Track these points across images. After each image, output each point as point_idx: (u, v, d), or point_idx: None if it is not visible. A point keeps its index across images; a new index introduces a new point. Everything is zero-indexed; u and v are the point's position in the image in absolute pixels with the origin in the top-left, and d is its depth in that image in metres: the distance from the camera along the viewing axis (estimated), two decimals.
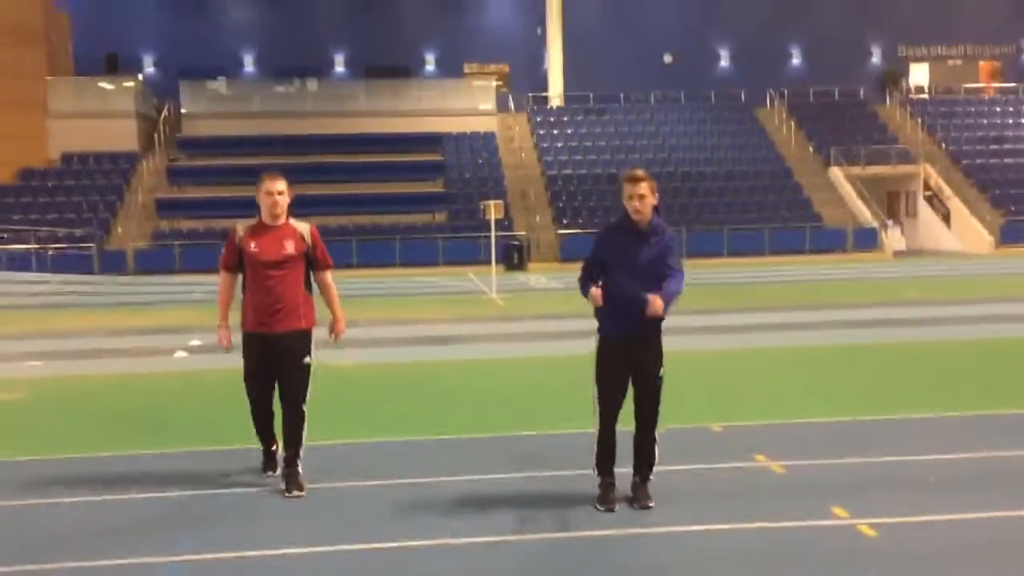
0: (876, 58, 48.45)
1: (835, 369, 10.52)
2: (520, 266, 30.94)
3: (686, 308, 16.86)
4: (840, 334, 13.26)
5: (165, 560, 4.86)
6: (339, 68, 47.46)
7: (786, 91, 42.31)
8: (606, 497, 5.58)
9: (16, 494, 6.12)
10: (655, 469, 5.74)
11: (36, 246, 30.59)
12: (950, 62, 47.22)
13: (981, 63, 47.56)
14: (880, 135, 39.53)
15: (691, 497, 5.75)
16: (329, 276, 6.38)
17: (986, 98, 43.69)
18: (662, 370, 5.66)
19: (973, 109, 42.10)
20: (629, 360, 5.62)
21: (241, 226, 6.27)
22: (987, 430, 7.35)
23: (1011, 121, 41.19)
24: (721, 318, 15.65)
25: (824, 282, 23.54)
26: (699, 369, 10.53)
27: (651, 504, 5.55)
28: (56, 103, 37.20)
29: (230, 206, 33.52)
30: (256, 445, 6.55)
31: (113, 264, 31.08)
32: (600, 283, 5.54)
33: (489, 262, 23.93)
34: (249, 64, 46.92)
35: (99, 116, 37.19)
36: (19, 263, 29.42)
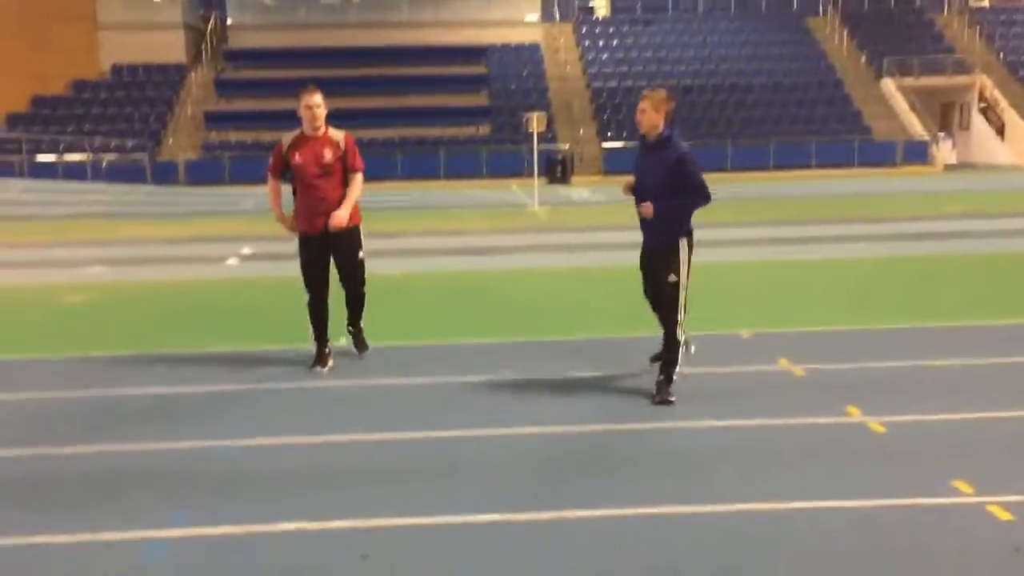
0: None
1: (869, 280, 10.70)
2: (563, 179, 31.03)
3: (728, 220, 17.15)
4: (879, 247, 13.37)
5: (224, 444, 5.34)
6: None
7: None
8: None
9: (87, 385, 6.66)
10: (682, 370, 6.10)
11: (90, 156, 31.29)
12: None
13: None
14: (936, 45, 38.44)
15: (715, 396, 6.09)
16: (358, 177, 6.94)
17: None
18: (672, 277, 5.98)
19: None
20: (646, 265, 6.24)
21: (286, 138, 6.89)
22: (1010, 337, 7.56)
23: None
24: (762, 230, 15.79)
25: (870, 195, 23.39)
26: (736, 280, 10.79)
27: (670, 399, 5.91)
28: (105, 15, 37.47)
29: (277, 117, 33.76)
30: (303, 345, 7.04)
31: (164, 175, 31.74)
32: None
33: (532, 175, 24.11)
34: None
35: (148, 27, 37.46)
36: (74, 172, 30.19)
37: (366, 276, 7.11)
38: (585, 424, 5.57)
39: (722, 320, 8.32)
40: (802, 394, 6.14)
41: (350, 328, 7.27)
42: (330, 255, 6.91)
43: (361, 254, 7.00)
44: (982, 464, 4.78)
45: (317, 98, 6.78)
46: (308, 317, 7.00)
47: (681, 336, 6.09)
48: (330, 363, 6.95)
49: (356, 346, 7.27)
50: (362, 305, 7.19)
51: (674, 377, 6.06)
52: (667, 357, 6.07)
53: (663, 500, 4.40)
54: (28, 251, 15.39)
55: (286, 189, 7.01)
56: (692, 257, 6.11)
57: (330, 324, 7.07)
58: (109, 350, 7.79)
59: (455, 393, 6.31)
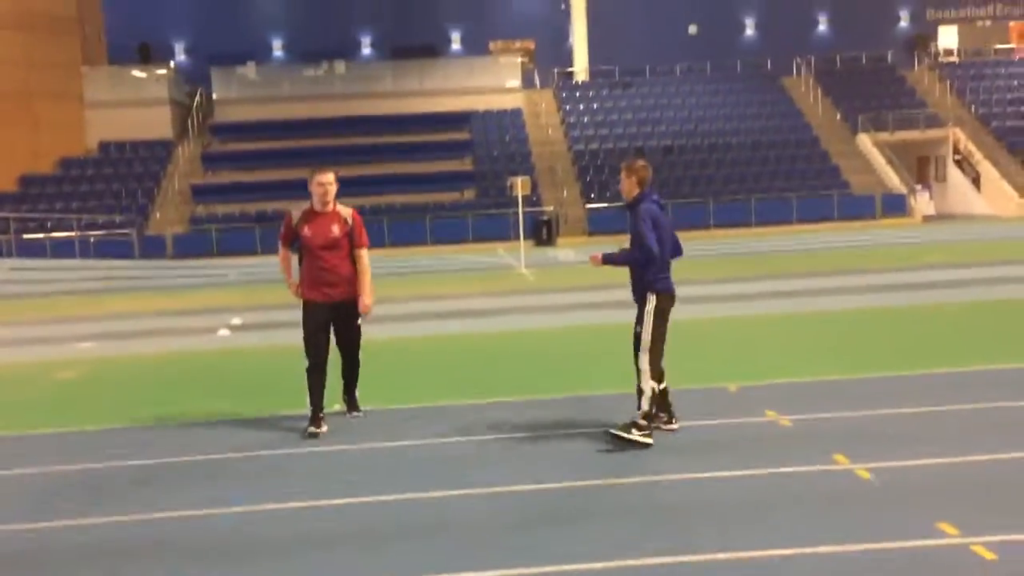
0: (904, 21, 48.06)
1: (852, 331, 10.89)
2: (549, 241, 31.37)
3: (711, 277, 17.37)
4: (861, 299, 13.59)
5: (220, 512, 5.41)
6: (366, 49, 47.99)
7: (813, 58, 42.15)
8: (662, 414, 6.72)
9: (83, 459, 6.72)
10: (670, 427, 6.59)
11: (78, 233, 31.46)
12: (979, 23, 46.68)
13: (1011, 23, 46.90)
14: (909, 100, 39.33)
15: (701, 449, 6.21)
16: (364, 253, 7.32)
17: (1017, 59, 43.20)
18: (637, 327, 6.52)
19: (1003, 71, 41.67)
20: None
21: (296, 211, 7.30)
22: (989, 383, 7.71)
23: None
24: (745, 286, 16.03)
25: (851, 248, 23.75)
26: (721, 334, 10.97)
27: (626, 437, 6.28)
28: (92, 92, 38.04)
29: (263, 189, 34.28)
30: (297, 411, 7.15)
31: (153, 249, 31.90)
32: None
33: (518, 238, 24.39)
34: (278, 48, 47.59)
35: (134, 104, 38.02)
36: (63, 250, 30.32)
37: (361, 340, 7.49)
38: (572, 480, 5.66)
39: (708, 375, 8.48)
40: (789, 444, 6.26)
41: (345, 396, 7.63)
42: (331, 323, 7.24)
43: (359, 321, 7.38)
44: (965, 506, 4.90)
45: (329, 176, 7.19)
46: (306, 381, 7.20)
47: (647, 386, 6.35)
48: (323, 426, 7.11)
49: (348, 407, 7.63)
50: (357, 371, 7.57)
51: (632, 423, 6.29)
52: (638, 400, 6.39)
53: (646, 552, 4.49)
54: (19, 329, 15.44)
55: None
56: (664, 313, 6.46)
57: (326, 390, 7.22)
58: (104, 423, 7.86)
59: (442, 453, 6.40)
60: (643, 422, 6.29)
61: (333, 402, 7.55)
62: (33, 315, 17.43)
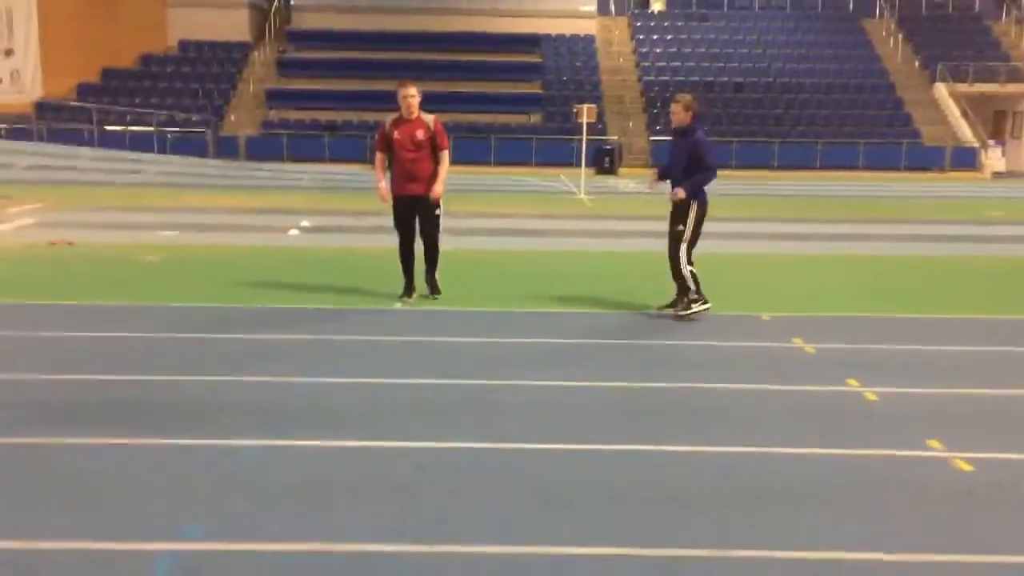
0: None
1: (896, 275, 11.28)
2: (611, 170, 31.67)
3: (769, 215, 17.70)
4: (912, 246, 13.92)
5: (303, 380, 6.18)
6: None
7: (897, 2, 41.14)
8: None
9: (169, 329, 7.56)
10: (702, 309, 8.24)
11: (156, 128, 32.58)
12: None
13: None
14: (992, 52, 38.34)
15: (730, 365, 6.82)
16: (445, 155, 8.67)
17: None
18: (679, 227, 8.16)
19: None
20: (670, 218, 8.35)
21: (388, 120, 8.64)
22: (1006, 330, 8.16)
23: None
24: (800, 226, 16.35)
25: (913, 198, 23.75)
26: (769, 270, 11.46)
27: (683, 313, 8.20)
28: None
29: (336, 98, 34.98)
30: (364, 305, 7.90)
31: (226, 149, 32.94)
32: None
33: (580, 164, 24.81)
34: None
35: (214, 5, 38.74)
36: (141, 143, 31.49)
37: (440, 228, 8.84)
38: (614, 381, 6.33)
39: (748, 304, 9.02)
40: (808, 367, 6.84)
41: (428, 278, 8.92)
42: (415, 212, 8.64)
43: (438, 211, 8.72)
44: (955, 428, 5.46)
45: (412, 90, 8.50)
46: (399, 261, 8.79)
47: (686, 271, 8.09)
48: (415, 295, 8.75)
49: (431, 291, 8.92)
50: (437, 256, 8.88)
51: (689, 301, 8.16)
52: (679, 285, 8.23)
53: (676, 442, 5.15)
54: (105, 214, 16.46)
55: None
56: (703, 216, 8.16)
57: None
58: (188, 302, 8.71)
59: (497, 352, 7.11)
60: (695, 295, 8.16)
61: (395, 302, 8.37)
62: (117, 202, 18.48)
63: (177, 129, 33.04)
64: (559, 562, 3.74)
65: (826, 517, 4.21)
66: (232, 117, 35.49)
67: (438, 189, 8.60)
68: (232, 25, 38.98)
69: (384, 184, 8.67)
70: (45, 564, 3.64)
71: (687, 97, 8.14)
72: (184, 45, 38.76)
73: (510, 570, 3.68)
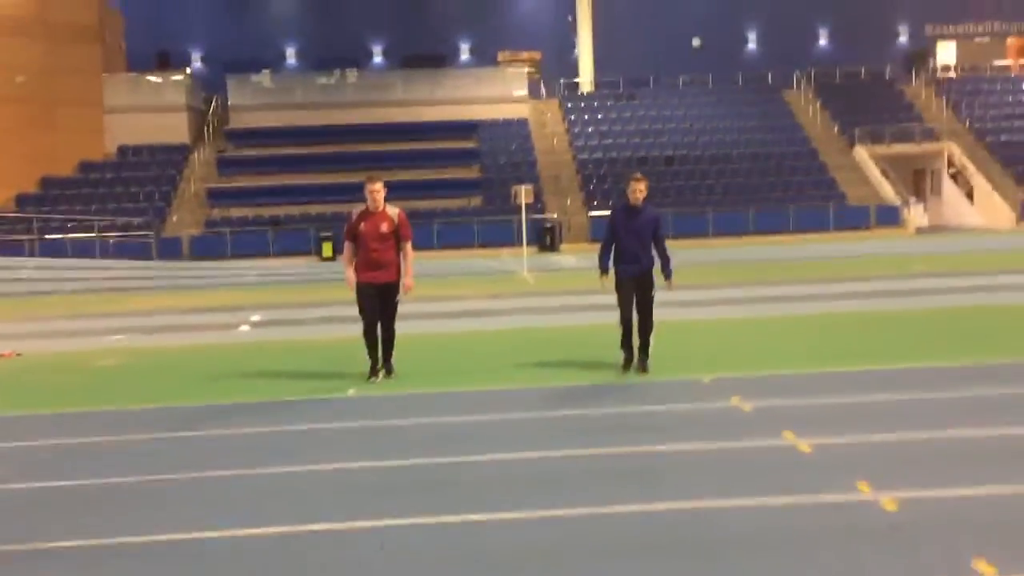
0: (903, 37, 49.06)
1: (828, 332, 11.85)
2: (552, 247, 32.39)
3: (706, 283, 18.34)
4: (844, 303, 14.58)
5: (252, 473, 6.41)
6: (377, 58, 49.20)
7: (813, 72, 43.17)
8: (626, 363, 9.36)
9: (132, 432, 7.74)
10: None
11: (98, 234, 32.60)
12: (977, 40, 47.67)
13: (1009, 40, 47.91)
14: (906, 114, 40.32)
15: (671, 428, 7.20)
16: (408, 246, 9.31)
17: (1013, 75, 44.17)
18: (653, 291, 9.25)
19: (999, 87, 42.68)
20: (632, 286, 9.25)
21: (355, 212, 9.30)
22: (930, 378, 8.68)
23: None
24: (736, 291, 17.00)
25: (842, 258, 24.71)
26: (708, 334, 11.96)
27: (647, 370, 9.22)
28: (111, 98, 39.24)
29: (277, 193, 35.42)
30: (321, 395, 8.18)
31: (169, 250, 33.02)
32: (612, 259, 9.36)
33: (522, 243, 25.41)
34: (291, 57, 48.83)
35: (152, 110, 39.24)
36: (83, 250, 31.45)
37: (397, 314, 9.43)
38: (569, 449, 6.67)
39: (689, 368, 9.46)
40: (746, 424, 7.24)
41: (383, 362, 9.41)
42: (380, 298, 9.19)
43: (398, 298, 9.34)
44: (882, 471, 5.87)
45: (378, 185, 9.17)
46: (364, 342, 9.29)
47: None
48: (380, 375, 9.28)
49: (387, 372, 9.44)
50: (393, 340, 9.43)
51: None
52: (650, 342, 9.33)
53: (619, 502, 5.48)
54: (53, 323, 16.49)
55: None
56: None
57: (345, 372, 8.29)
58: (147, 404, 8.88)
59: (451, 428, 7.40)
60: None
61: (348, 389, 8.66)
62: (64, 310, 18.49)
63: (119, 234, 33.10)
64: None
65: (766, 562, 4.55)
66: (174, 218, 35.66)
67: (409, 281, 9.28)
68: (170, 128, 39.42)
69: (351, 272, 9.20)
70: None
71: (645, 177, 9.33)
72: (123, 150, 39.05)
73: None
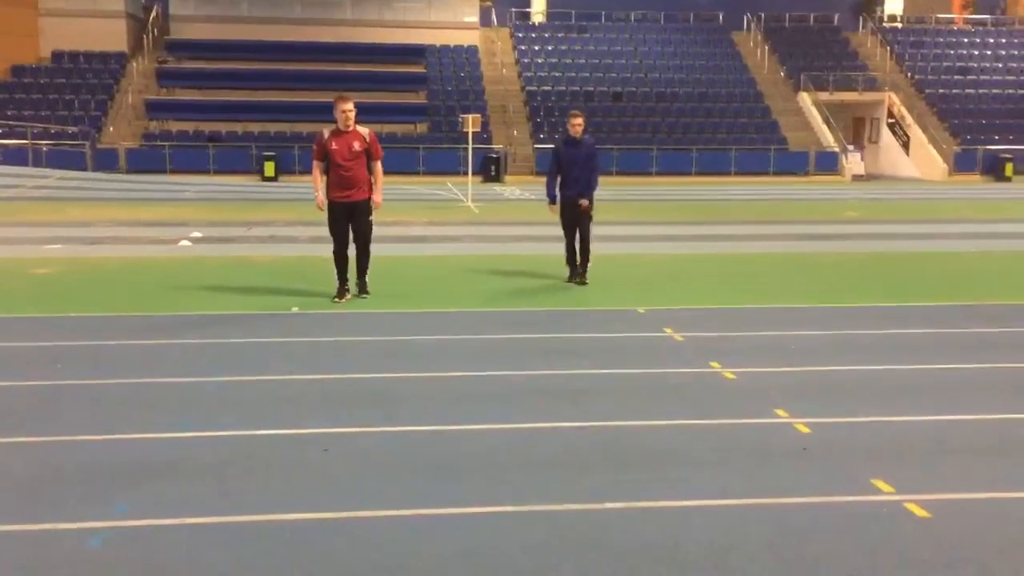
0: None
1: (758, 272, 12.25)
2: (496, 178, 32.42)
3: (647, 219, 18.67)
4: (777, 244, 15.04)
5: (203, 380, 6.55)
6: None
7: (763, 15, 43.34)
8: (570, 276, 10.76)
9: (72, 339, 7.79)
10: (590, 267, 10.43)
11: (30, 142, 31.67)
12: None
13: None
14: (850, 62, 40.83)
15: (606, 353, 7.50)
16: (379, 164, 9.41)
17: (956, 28, 44.89)
18: (592, 211, 10.58)
19: (942, 39, 43.36)
20: (573, 210, 10.56)
21: (326, 131, 9.28)
22: (853, 316, 9.12)
23: (977, 52, 42.54)
24: (676, 229, 17.36)
25: (779, 201, 25.25)
26: (646, 268, 12.28)
27: (586, 282, 10.59)
28: (47, 0, 37.71)
29: (218, 109, 34.66)
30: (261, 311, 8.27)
31: (105, 162, 32.23)
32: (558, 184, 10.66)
33: (467, 173, 25.42)
34: None
35: (89, 15, 37.86)
36: (15, 157, 30.57)
37: (372, 232, 9.59)
38: (505, 370, 6.93)
39: (626, 299, 9.77)
40: (675, 352, 7.58)
41: (358, 280, 9.64)
42: (349, 219, 9.29)
43: (371, 216, 9.45)
44: (799, 400, 6.25)
45: (350, 105, 9.23)
46: (333, 263, 9.41)
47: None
48: (348, 296, 9.45)
49: (360, 291, 9.66)
50: (368, 259, 9.62)
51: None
52: (586, 260, 10.61)
53: (553, 419, 5.76)
54: None
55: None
56: None
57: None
58: (84, 312, 8.89)
59: (395, 346, 7.61)
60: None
61: (292, 306, 8.75)
62: None
63: (52, 142, 32.19)
64: (453, 520, 4.29)
65: (684, 473, 4.88)
66: (111, 129, 34.74)
67: (378, 198, 9.39)
68: (108, 35, 38.12)
69: (321, 192, 9.26)
70: None
71: (584, 113, 10.60)
72: (58, 55, 37.72)
73: (413, 531, 4.21)
